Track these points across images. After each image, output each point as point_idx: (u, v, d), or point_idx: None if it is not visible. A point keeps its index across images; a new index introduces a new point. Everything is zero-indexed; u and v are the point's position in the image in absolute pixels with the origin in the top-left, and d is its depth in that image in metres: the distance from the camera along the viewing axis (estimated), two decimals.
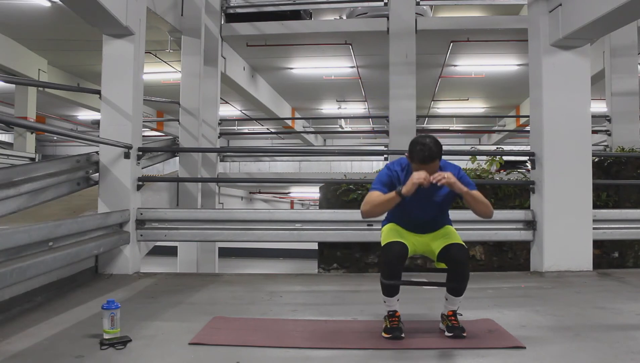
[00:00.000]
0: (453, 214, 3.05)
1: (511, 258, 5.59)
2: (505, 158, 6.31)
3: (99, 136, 4.78)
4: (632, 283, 4.52)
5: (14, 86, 11.55)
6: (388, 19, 7.98)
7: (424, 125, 15.94)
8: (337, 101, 15.60)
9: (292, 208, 22.07)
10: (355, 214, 5.07)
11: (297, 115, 17.05)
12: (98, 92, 4.84)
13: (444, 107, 16.26)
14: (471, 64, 11.24)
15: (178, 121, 7.61)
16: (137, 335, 2.83)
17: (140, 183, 4.97)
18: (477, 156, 6.41)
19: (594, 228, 5.02)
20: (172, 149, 7.87)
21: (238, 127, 18.65)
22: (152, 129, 17.80)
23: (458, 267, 2.77)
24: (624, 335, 2.91)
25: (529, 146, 5.46)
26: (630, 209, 5.43)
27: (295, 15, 8.92)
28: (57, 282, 3.91)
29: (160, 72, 11.97)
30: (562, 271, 4.89)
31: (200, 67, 7.66)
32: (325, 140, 22.06)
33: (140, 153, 4.99)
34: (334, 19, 10.26)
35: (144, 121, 5.85)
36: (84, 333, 2.88)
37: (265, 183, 12.76)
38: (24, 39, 10.52)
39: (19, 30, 9.93)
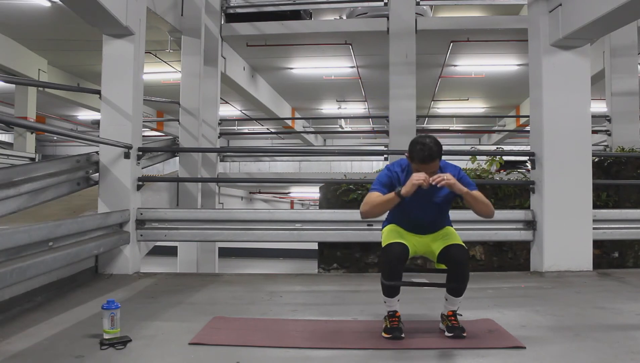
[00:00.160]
0: (453, 214, 3.05)
1: (511, 258, 5.59)
2: (505, 158, 6.31)
3: (99, 136, 4.78)
4: (632, 283, 4.52)
5: (14, 86, 11.55)
6: (388, 19, 7.97)
7: (424, 125, 15.93)
8: (337, 101, 15.60)
9: (292, 208, 22.08)
10: (355, 214, 5.06)
11: (297, 115, 17.04)
12: (98, 92, 4.85)
13: (444, 107, 16.26)
14: (471, 64, 11.24)
15: (178, 121, 7.61)
16: (137, 335, 2.83)
17: (140, 183, 4.97)
18: (477, 156, 6.41)
19: (594, 228, 5.02)
20: (172, 149, 7.87)
21: (238, 127, 18.65)
22: (152, 129, 17.81)
23: (458, 268, 2.77)
24: (624, 335, 2.91)
25: (529, 146, 5.46)
26: (630, 209, 5.43)
27: (295, 15, 8.92)
28: (57, 282, 3.91)
29: (160, 72, 11.97)
30: (562, 271, 4.89)
31: (200, 67, 7.66)
32: (325, 140, 22.06)
33: (140, 153, 4.99)
34: (334, 19, 10.26)
35: (144, 121, 5.85)
36: (84, 333, 2.88)
37: (265, 183, 12.76)
38: (24, 39, 10.52)
39: (19, 30, 9.93)
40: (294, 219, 5.12)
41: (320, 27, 9.31)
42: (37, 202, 4.16)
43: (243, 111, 16.11)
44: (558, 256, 4.93)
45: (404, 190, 2.69)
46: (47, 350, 2.63)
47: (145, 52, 5.55)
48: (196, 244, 7.61)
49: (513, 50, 9.83)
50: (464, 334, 2.78)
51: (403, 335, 2.76)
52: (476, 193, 2.80)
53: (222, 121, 9.06)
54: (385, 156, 8.32)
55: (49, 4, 8.51)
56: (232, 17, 8.84)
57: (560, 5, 4.80)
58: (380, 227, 3.10)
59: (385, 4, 8.32)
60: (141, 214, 4.94)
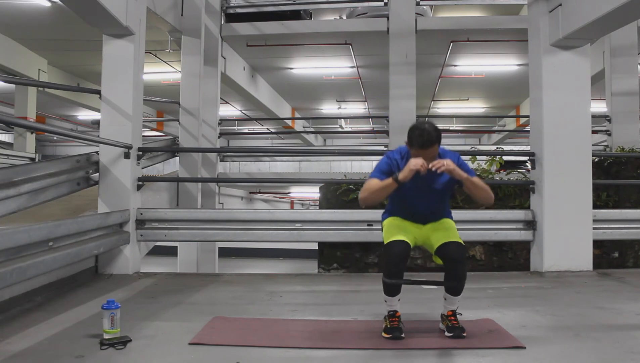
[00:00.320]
0: (453, 214, 3.05)
1: (511, 258, 5.59)
2: (505, 158, 6.31)
3: (99, 136, 4.78)
4: (632, 283, 4.52)
5: (14, 86, 11.55)
6: (388, 19, 7.97)
7: None
8: (337, 101, 15.60)
9: (292, 208, 22.08)
10: (355, 214, 5.10)
11: (297, 115, 17.04)
12: (98, 92, 4.85)
13: (444, 107, 16.26)
14: (471, 64, 11.24)
15: (178, 121, 7.61)
16: (137, 335, 2.83)
17: (140, 183, 4.97)
18: (477, 156, 6.41)
19: (594, 228, 5.02)
20: (172, 149, 7.86)
21: (238, 127, 18.65)
22: (152, 129, 17.81)
23: (455, 266, 2.77)
24: (624, 335, 2.91)
25: (529, 146, 5.46)
26: (630, 209, 5.43)
27: (295, 15, 8.92)
28: (57, 282, 3.91)
29: (160, 72, 11.97)
30: (562, 271, 4.89)
31: (200, 67, 7.66)
32: (325, 140, 22.06)
33: (140, 153, 4.99)
34: (334, 19, 10.26)
35: (144, 121, 5.85)
36: (84, 333, 2.88)
37: (265, 183, 12.76)
38: (24, 39, 10.51)
39: (19, 30, 9.92)
40: (294, 219, 5.12)
41: (320, 27, 9.31)
42: (37, 202, 4.16)
43: (243, 111, 16.11)
44: (558, 256, 4.93)
45: (402, 175, 2.70)
46: (47, 350, 2.62)
47: (145, 52, 5.55)
48: (196, 244, 7.61)
49: (513, 50, 9.84)
50: (464, 334, 2.78)
51: (403, 335, 2.76)
52: (475, 179, 2.82)
53: (222, 121, 9.06)
54: None
55: (49, 4, 8.51)
56: (232, 17, 8.84)
57: (560, 5, 4.80)
58: (380, 219, 3.09)
59: (385, 4, 8.32)
60: (141, 214, 4.94)
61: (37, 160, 11.09)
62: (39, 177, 4.12)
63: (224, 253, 10.16)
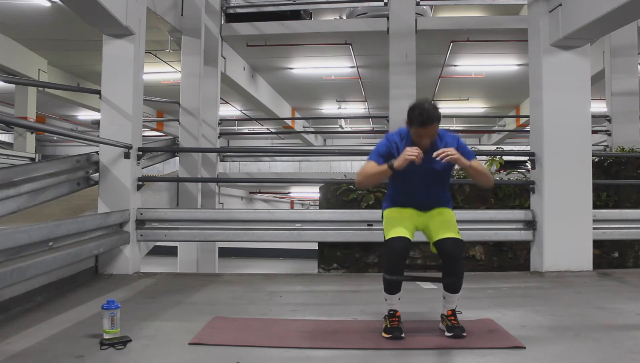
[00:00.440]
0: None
1: (511, 258, 5.59)
2: (505, 158, 6.31)
3: (99, 136, 4.78)
4: (632, 283, 4.52)
5: (14, 86, 11.55)
6: (388, 19, 7.97)
7: None
8: (337, 101, 15.60)
9: (292, 208, 22.08)
10: (355, 214, 5.11)
11: (297, 115, 17.04)
12: (98, 92, 4.85)
13: (444, 107, 16.23)
14: (471, 64, 11.24)
15: (178, 121, 7.61)
16: (137, 335, 2.83)
17: (140, 183, 4.97)
18: (477, 156, 6.40)
19: (594, 228, 5.02)
20: (172, 149, 7.86)
21: (238, 127, 18.65)
22: (152, 129, 17.80)
23: (452, 261, 2.78)
24: (624, 335, 2.91)
25: (529, 146, 5.46)
26: (630, 209, 5.43)
27: (295, 15, 8.92)
28: (57, 282, 3.91)
29: (160, 72, 11.97)
30: (562, 271, 4.89)
31: (200, 67, 7.66)
32: (325, 140, 22.05)
33: (140, 153, 4.99)
34: (334, 19, 10.26)
35: (144, 121, 5.85)
36: (84, 333, 2.88)
37: (265, 183, 12.75)
38: (24, 39, 10.51)
39: (19, 30, 9.92)
40: (294, 219, 5.13)
41: (320, 27, 9.31)
42: (37, 202, 4.15)
43: (243, 111, 16.10)
44: (558, 256, 4.93)
45: (397, 163, 2.70)
46: (47, 350, 2.62)
47: (145, 52, 5.55)
48: (196, 244, 7.61)
49: (513, 50, 9.83)
50: (464, 334, 2.78)
51: (403, 335, 2.76)
52: (476, 163, 2.82)
53: (222, 121, 9.06)
54: None
55: (49, 4, 8.51)
56: (232, 17, 8.84)
57: (560, 5, 4.80)
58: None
59: (385, 4, 8.32)
60: (141, 214, 4.94)
61: (37, 160, 11.09)
62: (39, 177, 4.12)
63: (224, 253, 10.16)
